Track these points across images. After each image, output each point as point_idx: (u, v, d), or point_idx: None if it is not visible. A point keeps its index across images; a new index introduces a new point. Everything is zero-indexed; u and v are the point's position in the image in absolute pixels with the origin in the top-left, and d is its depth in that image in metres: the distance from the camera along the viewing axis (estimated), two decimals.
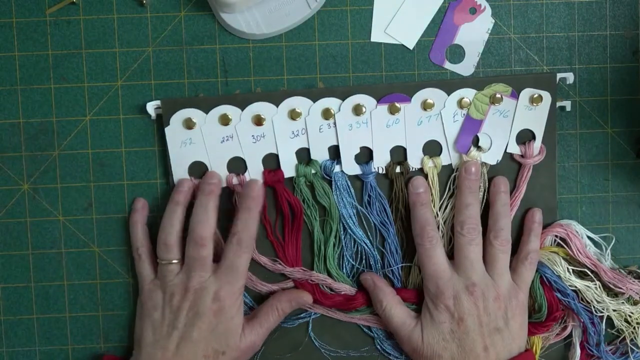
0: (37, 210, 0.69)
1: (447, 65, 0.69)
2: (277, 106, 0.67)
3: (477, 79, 0.68)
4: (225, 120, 0.67)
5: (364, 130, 0.67)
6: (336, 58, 0.69)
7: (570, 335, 0.70)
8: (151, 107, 0.67)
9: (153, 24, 0.68)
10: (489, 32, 0.69)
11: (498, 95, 0.67)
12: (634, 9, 0.70)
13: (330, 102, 0.67)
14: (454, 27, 0.69)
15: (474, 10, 0.69)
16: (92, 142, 0.69)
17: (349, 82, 0.69)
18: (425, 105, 0.67)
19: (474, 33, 0.69)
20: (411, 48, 0.69)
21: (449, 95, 0.68)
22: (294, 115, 0.67)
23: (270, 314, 0.67)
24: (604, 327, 0.68)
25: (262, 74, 0.69)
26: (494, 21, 0.69)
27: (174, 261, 0.65)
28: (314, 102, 0.67)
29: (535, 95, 0.67)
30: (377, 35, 0.69)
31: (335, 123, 0.67)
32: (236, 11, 0.66)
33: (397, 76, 0.69)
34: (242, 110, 0.67)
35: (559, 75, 0.68)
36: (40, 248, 0.69)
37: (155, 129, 0.68)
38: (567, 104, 0.69)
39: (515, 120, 0.68)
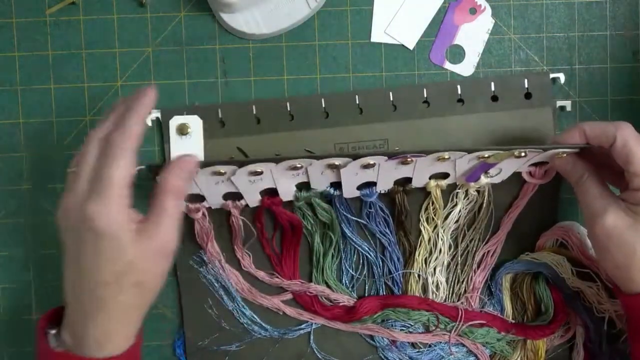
0: (37, 210, 0.69)
1: (447, 65, 0.69)
2: (277, 163, 0.61)
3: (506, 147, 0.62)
4: (219, 172, 0.61)
5: (369, 173, 0.63)
6: (336, 58, 0.69)
7: (573, 337, 0.70)
8: (149, 119, 0.67)
9: (153, 24, 0.68)
10: (489, 32, 0.69)
11: (522, 153, 0.62)
12: (634, 9, 0.70)
13: (336, 160, 0.62)
14: (454, 27, 0.69)
15: (474, 11, 0.69)
16: None
17: (349, 82, 0.69)
18: (440, 158, 0.61)
19: (474, 33, 0.69)
20: (411, 48, 0.69)
21: (468, 153, 0.62)
22: (294, 168, 0.62)
23: (165, 201, 0.54)
24: (605, 327, 0.68)
25: (262, 74, 0.69)
26: (494, 21, 0.69)
27: None
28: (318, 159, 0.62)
29: (561, 154, 0.63)
30: (377, 35, 0.69)
31: (338, 168, 0.63)
32: (236, 11, 0.66)
33: (397, 76, 0.69)
34: (239, 167, 0.61)
35: (551, 75, 0.68)
36: (40, 248, 0.69)
37: (155, 129, 0.68)
38: (567, 104, 0.69)
39: (531, 160, 0.65)
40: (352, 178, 0.64)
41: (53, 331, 0.55)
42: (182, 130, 0.67)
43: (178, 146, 0.68)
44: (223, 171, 0.60)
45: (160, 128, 0.68)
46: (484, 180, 0.67)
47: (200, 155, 0.68)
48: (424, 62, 0.69)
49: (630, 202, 0.58)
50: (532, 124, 0.68)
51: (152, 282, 0.54)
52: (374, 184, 0.66)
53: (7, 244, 0.69)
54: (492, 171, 0.66)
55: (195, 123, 0.68)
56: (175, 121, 0.67)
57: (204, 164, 0.59)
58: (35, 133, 0.68)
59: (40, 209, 0.69)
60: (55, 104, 0.68)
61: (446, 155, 0.60)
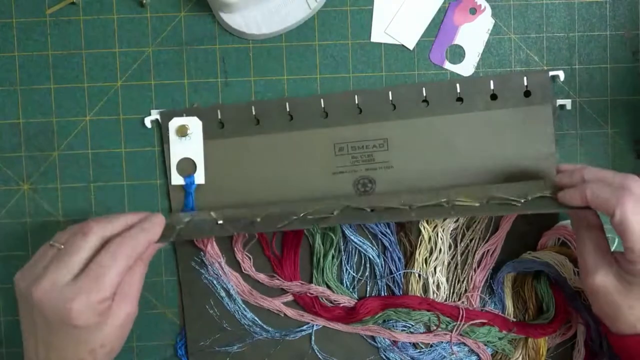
0: (37, 210, 0.69)
1: (447, 65, 0.69)
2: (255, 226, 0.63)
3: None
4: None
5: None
6: (336, 58, 0.69)
7: (574, 335, 0.70)
8: (148, 120, 0.67)
9: (153, 24, 0.68)
10: (489, 32, 0.69)
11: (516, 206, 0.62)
12: (634, 9, 0.70)
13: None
14: (454, 27, 0.69)
15: (474, 11, 0.69)
16: (92, 142, 0.69)
17: (348, 82, 0.69)
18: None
19: (474, 33, 0.69)
20: (411, 48, 0.69)
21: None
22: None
23: (133, 278, 0.58)
24: None
25: (262, 74, 0.69)
26: (494, 21, 0.69)
27: None
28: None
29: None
30: (377, 35, 0.69)
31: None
32: (236, 11, 0.66)
33: (397, 76, 0.69)
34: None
35: (550, 73, 0.68)
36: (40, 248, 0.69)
37: (155, 130, 0.68)
38: (567, 103, 0.69)
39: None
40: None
41: None
42: (182, 131, 0.67)
43: (177, 147, 0.68)
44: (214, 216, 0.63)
45: (160, 129, 0.68)
46: None
47: (199, 156, 0.68)
48: (424, 62, 0.69)
49: (623, 269, 0.57)
50: (532, 122, 0.68)
51: (120, 344, 0.58)
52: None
53: (7, 244, 0.69)
54: None
55: (194, 124, 0.68)
56: (174, 123, 0.67)
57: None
58: (35, 133, 0.68)
59: (40, 209, 0.69)
60: (55, 104, 0.68)
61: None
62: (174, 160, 0.68)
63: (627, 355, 0.60)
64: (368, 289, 0.70)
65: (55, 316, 0.53)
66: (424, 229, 0.69)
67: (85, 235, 0.55)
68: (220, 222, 0.63)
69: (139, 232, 0.57)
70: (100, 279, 0.53)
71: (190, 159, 0.68)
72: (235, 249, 0.69)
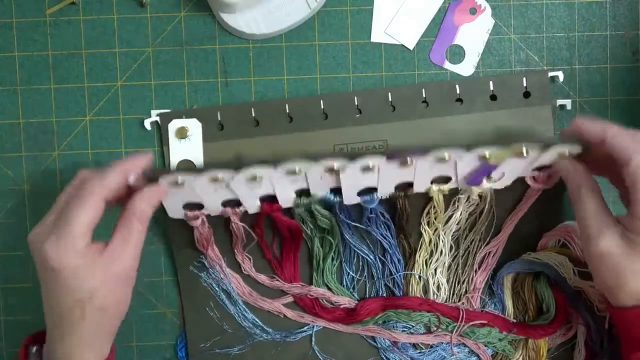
0: (37, 210, 0.69)
1: (447, 65, 0.69)
2: (275, 167, 0.59)
3: (505, 137, 0.66)
4: (217, 179, 0.59)
5: (369, 177, 0.62)
6: (336, 58, 0.69)
7: (575, 336, 0.70)
8: (148, 122, 0.67)
9: (153, 24, 0.68)
10: (489, 32, 0.69)
11: (523, 151, 0.59)
12: (634, 9, 0.70)
13: (335, 162, 0.60)
14: (454, 28, 0.69)
15: (474, 11, 0.69)
16: (92, 142, 0.69)
17: (349, 82, 0.69)
18: (440, 158, 0.60)
19: (474, 33, 0.69)
20: (411, 48, 0.69)
21: (468, 150, 0.60)
22: (292, 173, 0.60)
23: (130, 226, 0.56)
24: (607, 327, 0.68)
25: (262, 74, 0.69)
26: (494, 21, 0.69)
27: None
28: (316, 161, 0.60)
29: (563, 152, 0.60)
30: (377, 35, 0.69)
31: (337, 173, 0.61)
32: (236, 11, 0.66)
33: (397, 76, 0.69)
34: (235, 172, 0.59)
35: (550, 74, 0.68)
36: None
37: (155, 130, 0.68)
38: (567, 103, 0.69)
39: (535, 163, 0.63)
40: (352, 183, 0.63)
41: (35, 347, 0.59)
42: (181, 133, 0.67)
43: (177, 149, 0.68)
44: (221, 177, 0.59)
45: (160, 131, 0.68)
46: (486, 184, 0.66)
47: (199, 158, 0.68)
48: (424, 62, 0.69)
49: (628, 229, 0.56)
50: (532, 123, 0.68)
51: (115, 308, 0.57)
52: (374, 189, 0.65)
53: (7, 244, 0.69)
54: (494, 175, 0.65)
55: (194, 126, 0.68)
56: (174, 125, 0.67)
57: (201, 169, 0.58)
58: (35, 133, 0.68)
59: (40, 208, 0.69)
60: (55, 104, 0.68)
61: (445, 155, 0.59)
62: (173, 161, 0.68)
63: (627, 331, 0.58)
64: (367, 290, 0.70)
65: (38, 262, 0.55)
66: (425, 232, 0.68)
67: (69, 184, 0.57)
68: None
69: (108, 169, 0.56)
70: (67, 216, 0.54)
71: (190, 161, 0.68)
72: (236, 250, 0.69)
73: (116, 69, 0.68)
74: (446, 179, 0.66)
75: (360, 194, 0.65)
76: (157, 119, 0.68)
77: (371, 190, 0.65)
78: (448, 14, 0.69)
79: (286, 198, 0.65)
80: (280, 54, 0.69)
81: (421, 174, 0.63)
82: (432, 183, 0.66)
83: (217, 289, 0.69)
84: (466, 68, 0.69)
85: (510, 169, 0.63)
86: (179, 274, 0.69)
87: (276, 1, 0.67)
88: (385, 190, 0.66)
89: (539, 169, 0.65)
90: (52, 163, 0.69)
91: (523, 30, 0.70)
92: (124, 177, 0.56)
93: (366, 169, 0.59)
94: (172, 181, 0.58)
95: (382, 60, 0.69)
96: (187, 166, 0.68)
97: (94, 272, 0.54)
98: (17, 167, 0.69)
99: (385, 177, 0.63)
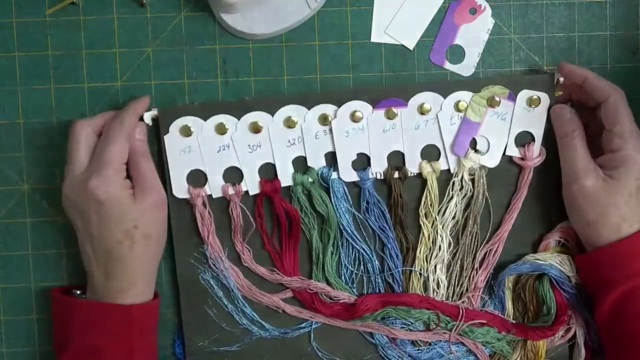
0: (37, 210, 0.69)
1: (447, 65, 0.69)
2: (273, 115, 0.67)
3: (474, 81, 0.69)
4: (221, 129, 0.67)
5: (360, 136, 0.67)
6: (336, 58, 0.69)
7: (574, 337, 0.70)
8: (148, 116, 0.66)
9: (153, 24, 0.68)
10: (489, 32, 0.69)
11: (496, 98, 0.67)
12: (634, 9, 0.70)
13: (326, 109, 0.67)
14: (454, 28, 0.69)
15: (474, 11, 0.69)
16: None
17: (349, 82, 0.69)
18: (422, 110, 0.67)
19: (474, 33, 0.69)
20: (411, 48, 0.69)
21: (445, 98, 0.67)
22: (290, 123, 0.67)
23: (140, 169, 0.65)
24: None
25: (262, 74, 0.69)
26: (494, 21, 0.69)
27: None
28: (310, 109, 0.67)
29: (534, 97, 0.67)
30: (377, 35, 0.69)
31: (331, 129, 0.67)
32: (236, 11, 0.66)
33: (397, 76, 0.69)
34: (239, 119, 0.67)
35: (556, 76, 0.68)
36: (40, 248, 0.69)
37: (153, 133, 0.68)
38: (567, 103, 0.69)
39: (513, 123, 0.68)
40: (344, 140, 0.67)
41: (78, 291, 0.66)
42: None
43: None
44: (227, 125, 0.66)
45: (158, 131, 0.68)
46: (474, 156, 0.67)
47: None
48: (424, 62, 0.69)
49: (606, 167, 0.63)
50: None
51: (158, 232, 0.65)
52: (368, 163, 0.67)
53: (7, 244, 0.69)
54: (480, 146, 0.68)
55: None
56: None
57: (206, 112, 0.67)
58: (35, 133, 0.68)
59: (40, 209, 0.69)
60: (55, 104, 0.68)
61: (427, 105, 0.67)
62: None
63: (602, 273, 0.63)
64: (366, 285, 0.70)
65: (83, 202, 0.62)
66: (424, 225, 0.69)
67: (72, 134, 0.63)
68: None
69: (121, 112, 0.64)
70: (102, 156, 0.62)
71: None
72: (235, 240, 0.69)
73: (116, 69, 0.68)
74: (437, 155, 0.68)
75: (355, 169, 0.67)
76: (156, 112, 0.67)
77: (365, 166, 0.68)
78: (448, 14, 0.69)
79: (284, 169, 0.67)
80: (280, 54, 0.69)
81: (409, 137, 0.67)
82: (422, 159, 0.68)
83: (215, 285, 0.69)
84: (466, 68, 0.69)
85: (492, 134, 0.67)
86: (177, 268, 0.69)
87: (276, 1, 0.67)
88: (378, 162, 0.67)
89: (523, 144, 0.68)
90: (52, 163, 0.69)
91: (523, 30, 0.70)
92: (137, 117, 0.65)
93: (356, 120, 0.67)
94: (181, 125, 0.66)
95: (382, 60, 0.69)
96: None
97: (132, 204, 0.62)
98: (17, 167, 0.69)
99: (375, 138, 0.67)
